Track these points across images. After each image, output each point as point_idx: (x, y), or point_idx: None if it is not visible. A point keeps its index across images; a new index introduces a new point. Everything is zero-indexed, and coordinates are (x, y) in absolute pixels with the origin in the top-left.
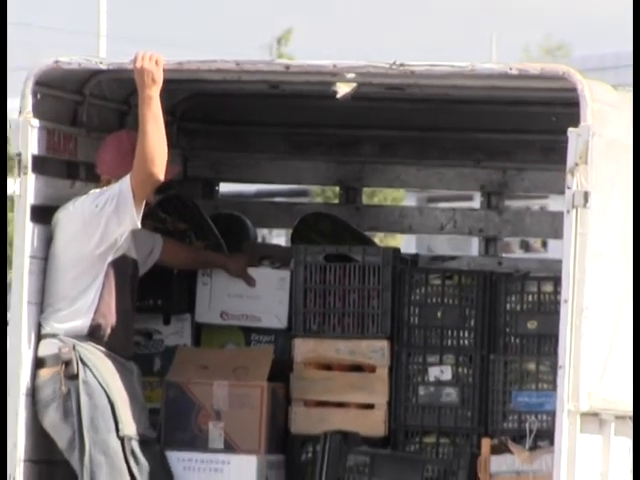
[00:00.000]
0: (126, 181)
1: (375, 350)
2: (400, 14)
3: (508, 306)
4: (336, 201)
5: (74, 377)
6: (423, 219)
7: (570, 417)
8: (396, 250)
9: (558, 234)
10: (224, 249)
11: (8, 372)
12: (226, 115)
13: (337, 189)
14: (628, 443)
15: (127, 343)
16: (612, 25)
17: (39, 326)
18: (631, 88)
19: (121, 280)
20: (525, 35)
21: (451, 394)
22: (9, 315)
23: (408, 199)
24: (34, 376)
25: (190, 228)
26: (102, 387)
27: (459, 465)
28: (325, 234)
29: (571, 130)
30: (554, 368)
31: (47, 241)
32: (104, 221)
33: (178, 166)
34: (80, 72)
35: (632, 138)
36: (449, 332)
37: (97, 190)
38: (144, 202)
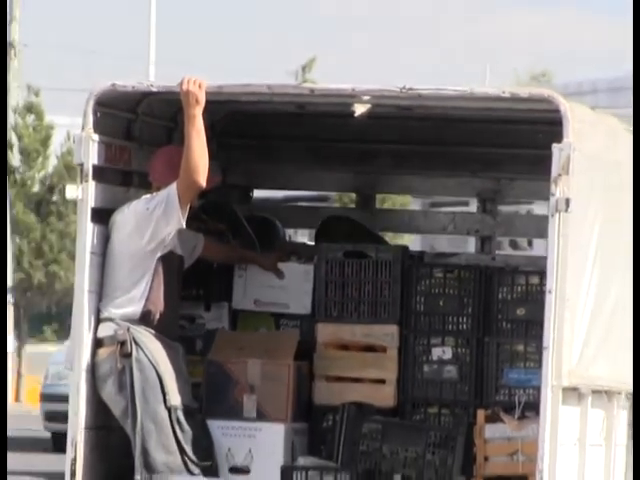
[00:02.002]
0: (173, 188)
1: (386, 333)
2: (406, 45)
3: (500, 296)
4: (353, 206)
5: (128, 355)
6: (428, 221)
7: (553, 391)
8: (405, 248)
9: (543, 234)
10: (257, 247)
11: (73, 351)
12: (259, 131)
13: (354, 195)
14: (602, 414)
15: (173, 326)
16: (589, 55)
17: (98, 312)
18: (606, 110)
19: (168, 273)
20: (513, 62)
21: (451, 371)
22: (73, 303)
23: (414, 204)
24: (93, 355)
25: (228, 229)
26: (152, 364)
27: (458, 432)
28: (344, 234)
29: (555, 145)
30: (540, 349)
31: (105, 239)
32: (154, 222)
33: (219, 176)
34: (133, 94)
35: (633, 135)
36: (450, 318)
37: (148, 195)
38: (189, 206)
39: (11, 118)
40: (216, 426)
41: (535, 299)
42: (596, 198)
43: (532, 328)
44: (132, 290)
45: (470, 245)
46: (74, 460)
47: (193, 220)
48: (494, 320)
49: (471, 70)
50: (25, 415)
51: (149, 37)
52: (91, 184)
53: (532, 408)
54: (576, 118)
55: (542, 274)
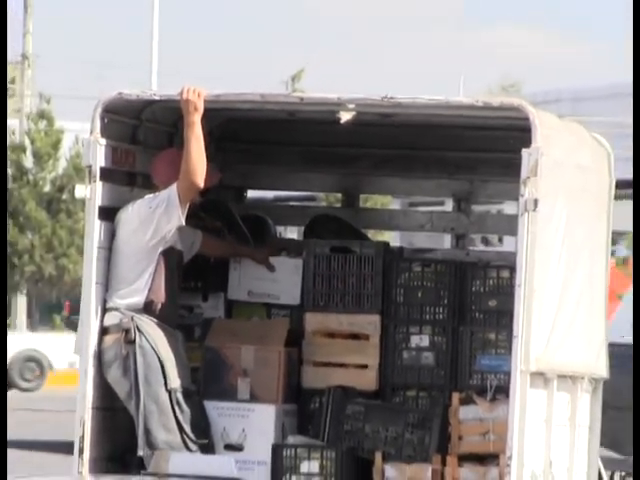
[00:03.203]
0: (174, 188)
1: (369, 322)
2: (386, 59)
3: (474, 288)
4: (339, 205)
5: (132, 342)
6: (407, 219)
7: (522, 376)
8: (386, 244)
9: (512, 232)
10: (250, 242)
11: (81, 338)
12: (253, 136)
13: (339, 195)
14: (567, 397)
15: (174, 315)
16: (554, 66)
17: (104, 302)
18: (571, 117)
19: (169, 266)
20: (485, 74)
21: (428, 357)
22: (82, 294)
23: (394, 203)
24: (100, 341)
25: (224, 226)
26: (154, 350)
27: (434, 413)
28: (330, 231)
29: (524, 150)
30: (510, 337)
31: (111, 235)
32: (156, 220)
33: (217, 174)
34: (138, 102)
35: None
36: (427, 308)
37: (151, 195)
38: (188, 204)
39: (24, 124)
40: (212, 407)
41: (506, 291)
42: (562, 199)
43: (503, 318)
44: (136, 282)
45: (446, 242)
46: (82, 438)
47: (192, 218)
48: (468, 310)
49: (447, 80)
50: (37, 396)
51: (152, 50)
52: (98, 184)
53: (502, 391)
54: (544, 125)
55: (512, 269)
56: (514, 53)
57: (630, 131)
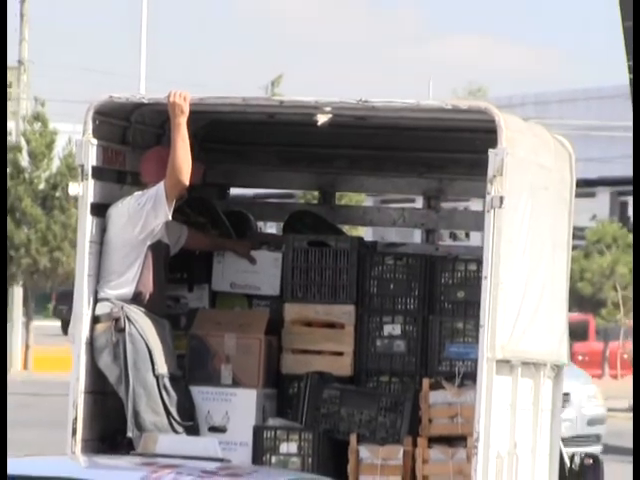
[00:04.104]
0: (161, 185)
1: (345, 312)
2: (361, 66)
3: (443, 280)
4: (315, 202)
5: (122, 330)
6: (380, 216)
7: (488, 363)
8: (360, 238)
9: (479, 227)
10: (233, 236)
11: (74, 327)
12: (235, 137)
13: (316, 193)
14: (530, 382)
15: (161, 305)
16: (517, 73)
17: (96, 292)
18: (535, 120)
19: (157, 259)
20: (452, 80)
21: (400, 345)
22: (74, 285)
23: (368, 201)
24: (92, 329)
25: (208, 221)
26: (142, 338)
27: (406, 398)
28: (308, 226)
29: (491, 151)
30: (477, 327)
31: (102, 230)
32: (144, 215)
33: (203, 171)
34: (127, 105)
35: (633, 140)
36: (399, 299)
37: (140, 192)
38: (174, 201)
39: (20, 125)
40: (197, 391)
41: (473, 283)
42: (525, 196)
43: (470, 308)
44: (125, 274)
45: (416, 236)
46: (75, 420)
47: (178, 213)
48: (437, 301)
49: (416, 86)
50: (32, 381)
51: (140, 57)
52: (90, 182)
53: (470, 377)
54: (509, 127)
55: (479, 262)
56: (479, 60)
57: (590, 133)
